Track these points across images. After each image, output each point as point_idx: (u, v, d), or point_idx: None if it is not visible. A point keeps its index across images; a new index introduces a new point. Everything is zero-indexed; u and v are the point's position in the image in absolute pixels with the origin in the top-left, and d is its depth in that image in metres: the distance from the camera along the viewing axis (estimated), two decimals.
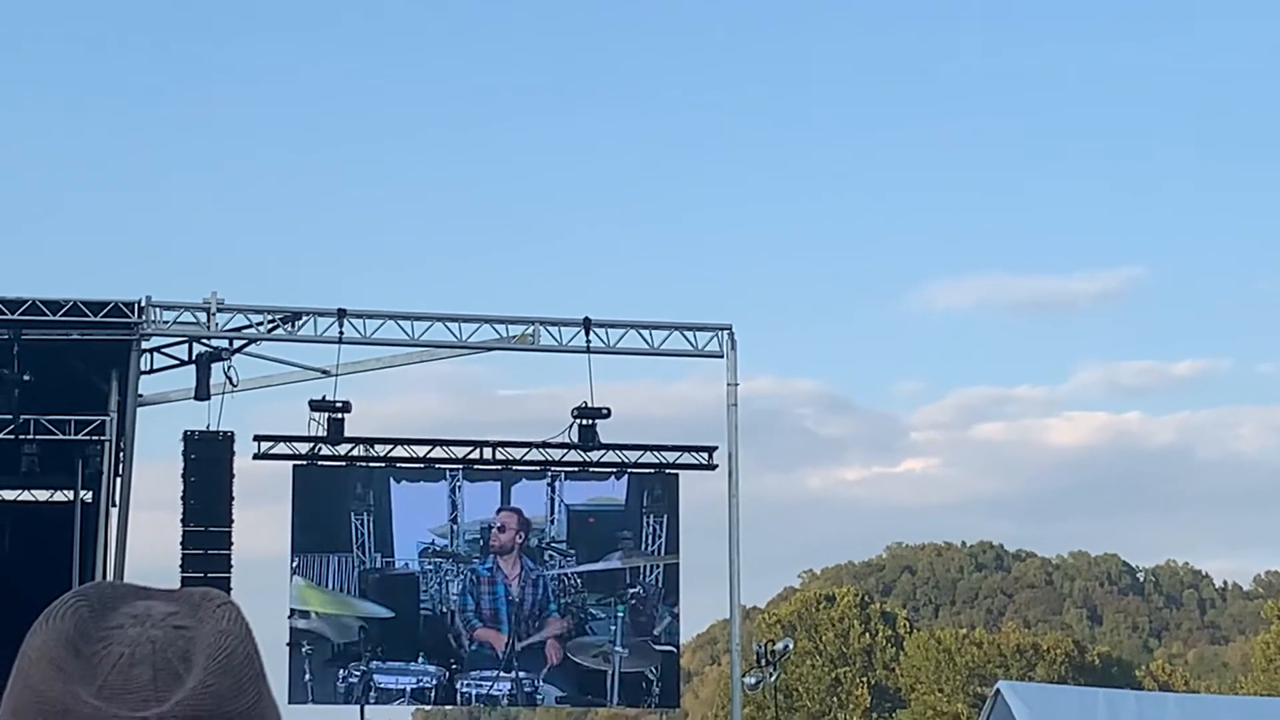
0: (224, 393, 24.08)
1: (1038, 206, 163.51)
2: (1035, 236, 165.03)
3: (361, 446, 24.49)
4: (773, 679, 43.12)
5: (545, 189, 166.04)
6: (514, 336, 25.19)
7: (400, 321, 24.65)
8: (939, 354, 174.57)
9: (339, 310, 24.20)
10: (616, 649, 24.59)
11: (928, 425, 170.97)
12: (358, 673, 23.88)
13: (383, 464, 24.50)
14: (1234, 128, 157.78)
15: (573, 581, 24.69)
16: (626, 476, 24.89)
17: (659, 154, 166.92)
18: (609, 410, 24.63)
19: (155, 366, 24.43)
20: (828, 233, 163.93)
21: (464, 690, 24.65)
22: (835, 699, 78.76)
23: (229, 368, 24.22)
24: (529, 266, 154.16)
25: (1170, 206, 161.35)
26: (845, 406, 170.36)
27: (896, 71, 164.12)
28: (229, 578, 22.96)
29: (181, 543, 23.22)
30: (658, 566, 24.82)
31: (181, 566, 23.06)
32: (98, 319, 22.87)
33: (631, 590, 24.74)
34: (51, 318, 22.65)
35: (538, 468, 24.82)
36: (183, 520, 23.27)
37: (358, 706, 24.81)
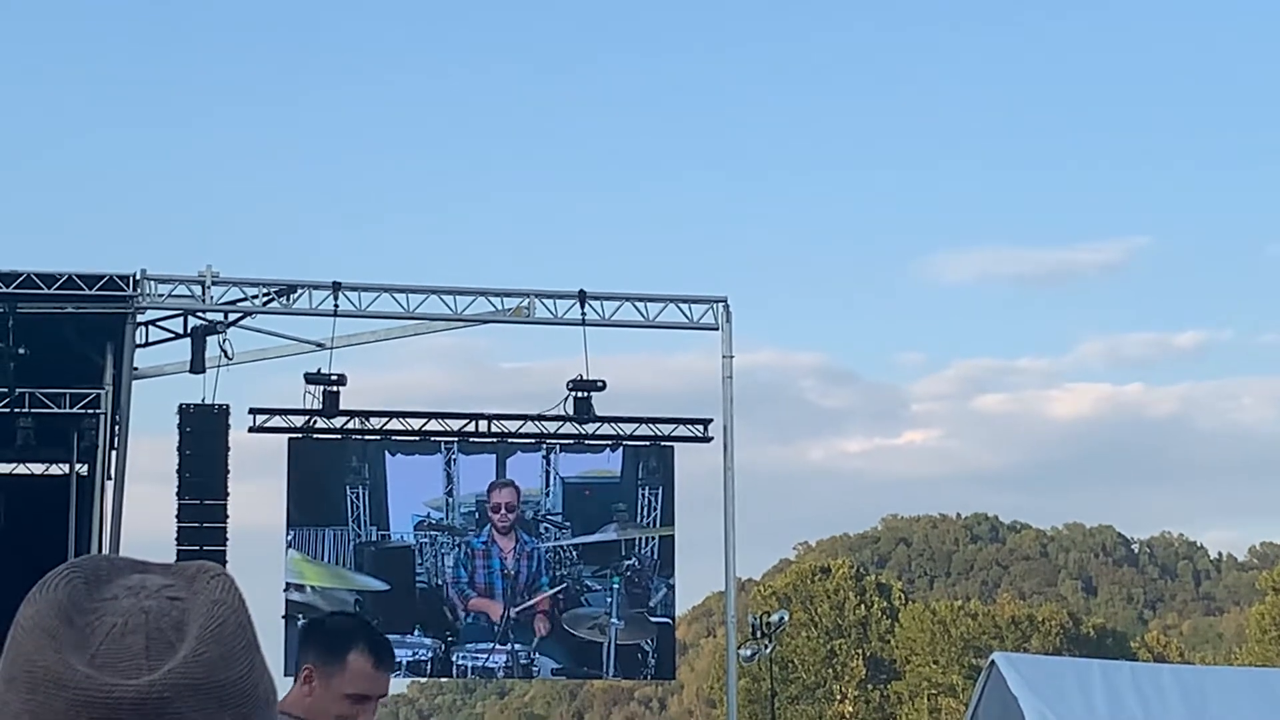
0: (219, 366, 24.07)
1: (1041, 178, 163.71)
2: (1038, 208, 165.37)
3: (357, 419, 24.48)
4: (768, 651, 43.24)
5: (540, 160, 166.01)
6: (509, 309, 25.17)
7: (395, 294, 24.63)
8: (941, 326, 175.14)
9: (334, 283, 24.18)
10: (612, 621, 24.62)
11: (929, 397, 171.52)
12: None
13: (378, 437, 24.50)
14: (1237, 97, 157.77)
15: (568, 554, 24.71)
16: (622, 449, 24.90)
17: (657, 124, 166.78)
18: (604, 383, 24.62)
19: (150, 340, 24.41)
20: (831, 206, 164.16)
21: (460, 662, 24.69)
22: (830, 671, 78.93)
23: (224, 341, 24.21)
24: (525, 239, 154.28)
25: (1173, 178, 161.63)
26: (847, 378, 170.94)
27: (897, 41, 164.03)
28: (224, 551, 22.97)
29: (177, 516, 23.23)
30: (653, 538, 24.84)
31: (177, 539, 23.07)
32: (92, 292, 22.84)
33: (627, 562, 24.77)
34: (46, 291, 22.61)
35: (533, 440, 24.83)
36: (178, 493, 23.28)
37: None
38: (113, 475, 24.36)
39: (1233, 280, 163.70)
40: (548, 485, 24.71)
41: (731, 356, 25.26)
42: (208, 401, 23.71)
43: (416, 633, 24.23)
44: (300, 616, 23.69)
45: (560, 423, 24.76)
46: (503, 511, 24.50)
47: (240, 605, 1.47)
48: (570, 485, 24.77)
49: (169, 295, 23.87)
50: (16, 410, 22.98)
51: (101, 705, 1.38)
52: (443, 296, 24.81)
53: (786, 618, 47.27)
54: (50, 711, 1.39)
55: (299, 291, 24.33)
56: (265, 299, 24.33)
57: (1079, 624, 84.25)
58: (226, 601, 1.46)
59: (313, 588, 23.95)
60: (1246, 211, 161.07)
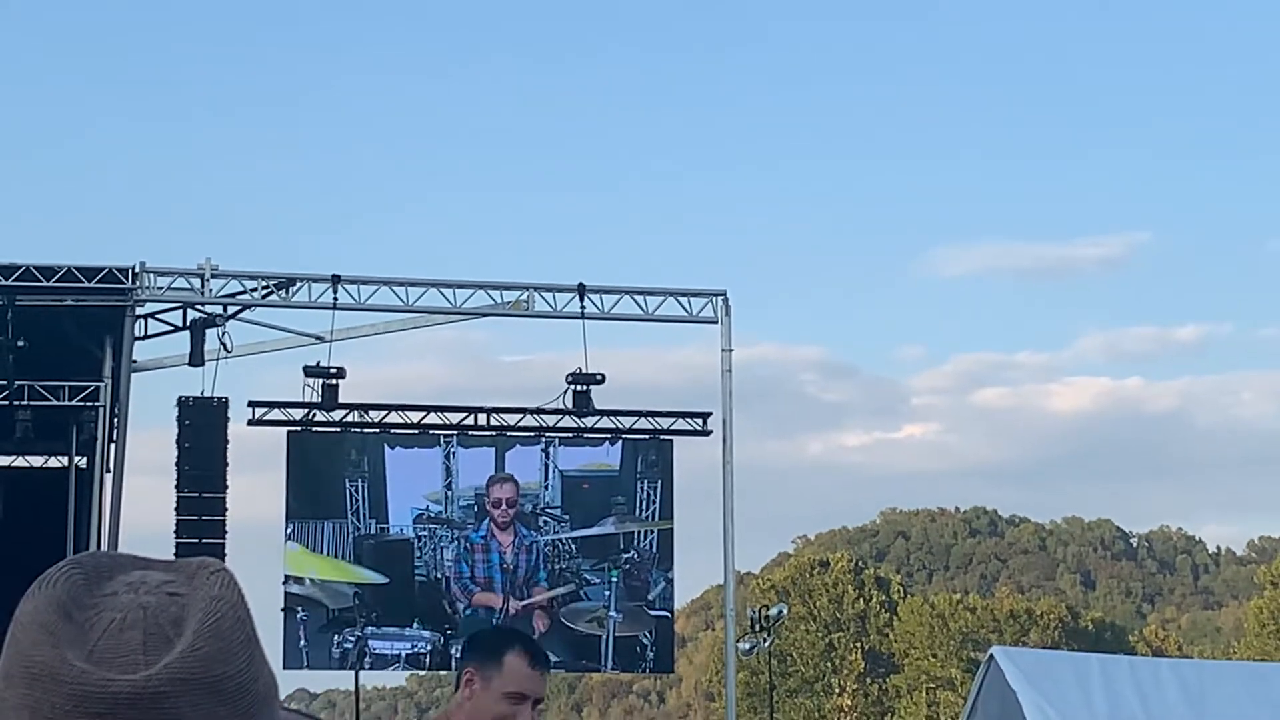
0: (218, 359, 24.07)
1: (1041, 173, 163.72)
2: (1038, 203, 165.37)
3: (356, 412, 24.47)
4: (767, 644, 43.18)
5: (539, 153, 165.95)
6: (509, 303, 25.17)
7: (394, 288, 24.62)
8: (941, 320, 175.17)
9: (333, 276, 24.16)
10: (611, 614, 24.62)
11: (928, 391, 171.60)
12: (352, 638, 23.91)
13: (377, 430, 24.49)
14: (1237, 93, 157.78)
15: (567, 547, 24.71)
16: (621, 442, 24.89)
17: (656, 118, 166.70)
18: (603, 376, 24.62)
19: (149, 332, 24.41)
20: (831, 199, 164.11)
21: (458, 656, 24.65)
22: (829, 664, 78.94)
23: (223, 334, 24.20)
24: (524, 232, 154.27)
25: (1172, 173, 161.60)
26: (848, 373, 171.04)
27: (897, 34, 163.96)
28: (223, 544, 22.97)
29: (176, 508, 23.21)
30: (652, 532, 24.84)
31: (176, 532, 23.07)
32: (92, 285, 22.83)
33: (626, 555, 24.76)
34: (46, 284, 22.61)
35: (532, 434, 24.82)
36: (177, 486, 23.27)
37: (352, 672, 24.87)
38: (112, 468, 24.36)
39: (1232, 275, 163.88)
40: (546, 478, 24.71)
41: (731, 350, 25.26)
42: (207, 394, 23.72)
43: (415, 626, 24.24)
44: (299, 609, 23.72)
45: (559, 416, 24.75)
46: (503, 507, 24.50)
47: (239, 600, 1.47)
48: (569, 478, 24.77)
49: (168, 288, 23.88)
50: (15, 403, 22.98)
51: (97, 700, 1.38)
52: (442, 290, 24.80)
53: (785, 611, 47.23)
54: (48, 706, 1.38)
55: (298, 284, 24.33)
56: (264, 292, 24.32)
57: (1077, 618, 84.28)
58: (225, 597, 1.46)
59: (312, 580, 23.95)
60: (1246, 206, 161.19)
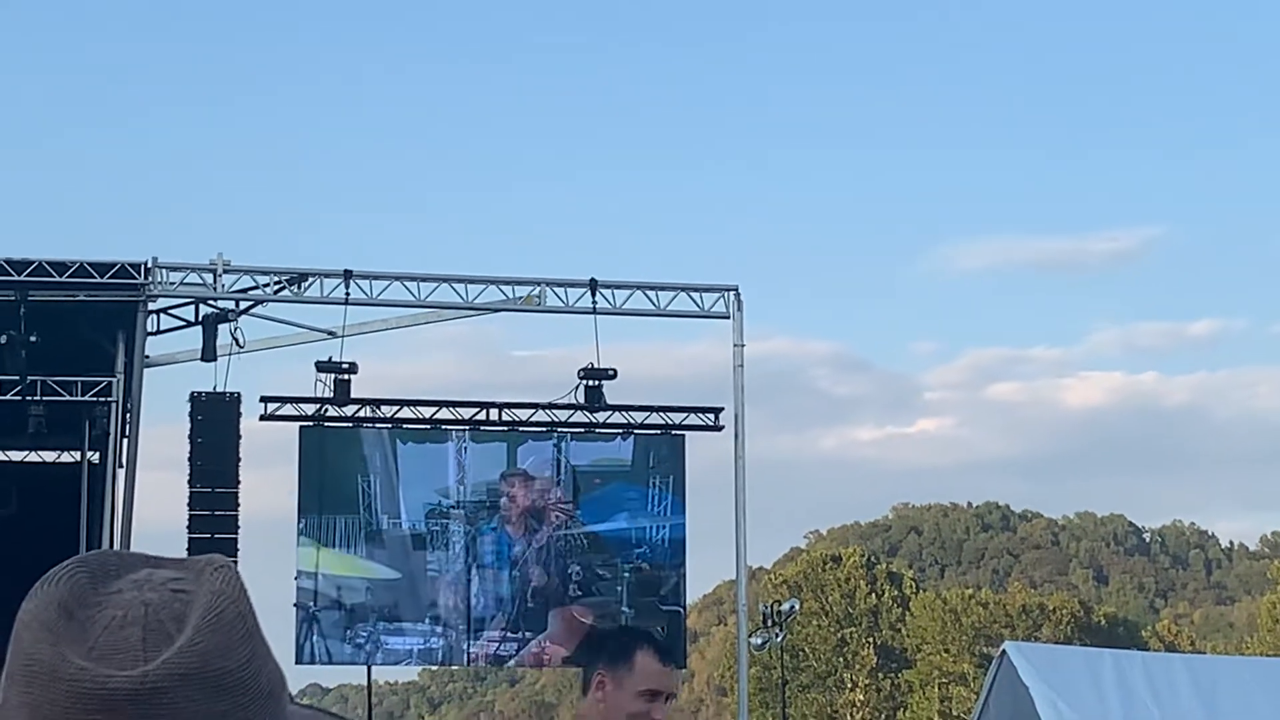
0: (230, 354, 24.07)
1: (1054, 167, 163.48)
2: (1052, 197, 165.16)
3: (368, 408, 24.47)
4: (779, 639, 43.23)
5: (551, 148, 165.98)
6: (520, 298, 25.15)
7: (406, 283, 24.61)
8: (954, 314, 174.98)
9: (345, 271, 24.16)
10: (623, 609, 24.62)
11: (942, 385, 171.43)
12: (365, 633, 23.92)
13: (389, 425, 24.49)
14: (1252, 86, 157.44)
15: (578, 542, 24.71)
16: (633, 437, 24.88)
17: (668, 113, 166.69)
18: (615, 371, 24.61)
19: (161, 328, 24.41)
20: (843, 194, 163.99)
21: (471, 651, 24.69)
22: (841, 659, 78.93)
23: (235, 329, 24.20)
24: (536, 227, 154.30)
25: (1186, 167, 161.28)
26: (860, 367, 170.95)
27: (911, 29, 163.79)
28: (236, 539, 22.98)
29: (188, 503, 23.23)
30: (664, 527, 24.83)
31: (188, 527, 23.08)
32: (104, 280, 22.83)
33: (638, 551, 24.76)
34: (58, 279, 22.61)
35: (544, 429, 24.82)
36: (189, 481, 23.28)
37: (365, 667, 24.89)
38: (124, 463, 24.38)
39: (1247, 269, 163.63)
40: (559, 474, 24.70)
41: (743, 345, 25.24)
42: (219, 389, 23.70)
43: (427, 621, 24.25)
44: (311, 604, 23.73)
45: (571, 411, 24.75)
46: (514, 501, 24.50)
47: (240, 595, 1.46)
48: (581, 474, 24.76)
49: (180, 283, 23.87)
50: (28, 398, 22.98)
51: (96, 697, 1.38)
52: (454, 285, 24.79)
53: (797, 606, 47.32)
54: (48, 704, 1.38)
55: (310, 279, 24.33)
56: (277, 287, 24.32)
57: (1090, 613, 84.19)
58: (226, 592, 1.45)
59: (324, 575, 23.96)
60: (1260, 201, 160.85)
